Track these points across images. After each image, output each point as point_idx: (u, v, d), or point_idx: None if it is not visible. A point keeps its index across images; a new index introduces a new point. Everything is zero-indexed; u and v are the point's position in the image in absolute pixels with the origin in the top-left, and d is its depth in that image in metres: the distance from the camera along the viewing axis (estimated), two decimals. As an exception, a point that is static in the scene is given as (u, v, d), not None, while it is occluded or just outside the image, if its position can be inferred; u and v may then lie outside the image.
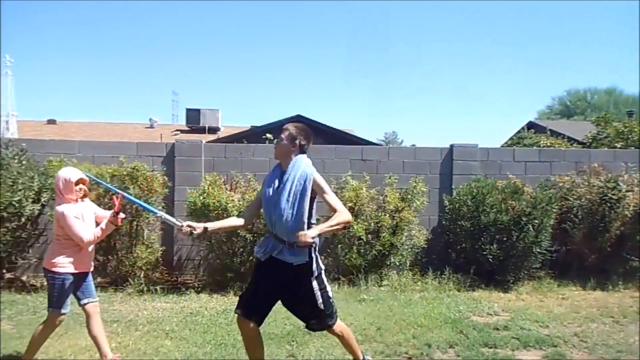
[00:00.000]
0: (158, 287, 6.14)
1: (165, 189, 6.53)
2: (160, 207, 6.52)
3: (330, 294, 3.27)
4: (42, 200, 6.22)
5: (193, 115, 20.75)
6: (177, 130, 21.41)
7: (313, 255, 3.14)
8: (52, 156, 6.59)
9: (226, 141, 11.30)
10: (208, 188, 6.25)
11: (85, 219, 3.59)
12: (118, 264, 6.25)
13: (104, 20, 64.22)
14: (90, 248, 3.66)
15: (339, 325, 3.32)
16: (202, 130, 20.02)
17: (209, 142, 8.96)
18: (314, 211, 3.21)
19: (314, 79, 77.01)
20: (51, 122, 21.26)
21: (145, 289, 6.07)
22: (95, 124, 21.28)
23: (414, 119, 73.86)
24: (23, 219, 6.05)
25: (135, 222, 6.30)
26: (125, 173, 6.16)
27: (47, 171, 6.25)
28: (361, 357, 3.44)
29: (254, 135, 11.99)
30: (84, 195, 3.71)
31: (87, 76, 65.54)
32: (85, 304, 3.66)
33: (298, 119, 14.93)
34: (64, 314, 3.57)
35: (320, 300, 3.16)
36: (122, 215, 3.61)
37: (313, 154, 7.21)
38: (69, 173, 3.62)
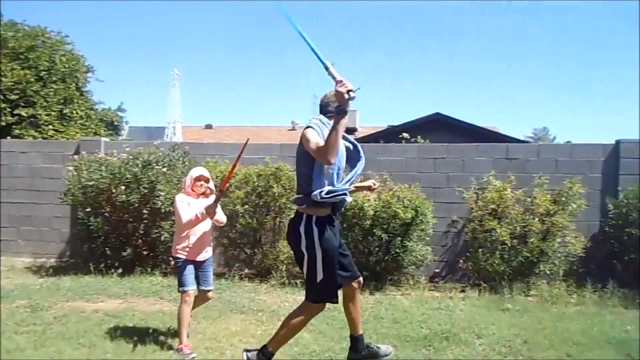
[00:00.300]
0: (298, 281, 6.44)
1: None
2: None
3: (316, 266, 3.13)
4: (201, 196, 6.97)
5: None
6: (317, 131, 22.28)
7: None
8: (209, 157, 7.35)
9: (363, 141, 11.45)
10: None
11: (196, 210, 3.85)
12: (263, 257, 6.72)
13: (250, 35, 69.84)
14: (199, 236, 3.97)
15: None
16: (348, 131, 20.55)
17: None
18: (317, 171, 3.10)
19: (453, 75, 73.98)
20: (208, 127, 23.82)
21: (287, 281, 6.43)
22: (245, 128, 23.28)
23: (568, 114, 66.53)
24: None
25: (278, 219, 6.71)
26: (269, 173, 6.59)
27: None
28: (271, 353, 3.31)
29: (391, 134, 11.93)
30: (204, 193, 4.05)
31: (238, 84, 71.98)
32: (201, 289, 4.09)
33: (436, 117, 14.49)
34: (189, 290, 3.94)
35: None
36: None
37: (452, 153, 7.01)
38: (194, 171, 4.07)
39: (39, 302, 5.28)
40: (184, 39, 67.64)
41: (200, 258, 4.05)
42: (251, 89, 73.11)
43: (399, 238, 6.21)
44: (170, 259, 4.38)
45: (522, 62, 72.95)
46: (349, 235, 6.39)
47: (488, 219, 6.21)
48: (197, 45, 69.18)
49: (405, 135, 7.90)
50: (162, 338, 4.27)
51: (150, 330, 4.43)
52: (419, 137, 7.94)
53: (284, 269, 6.64)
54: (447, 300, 5.88)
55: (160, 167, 6.67)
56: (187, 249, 3.98)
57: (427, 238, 6.46)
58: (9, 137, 11.01)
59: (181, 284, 3.96)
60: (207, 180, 4.08)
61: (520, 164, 6.85)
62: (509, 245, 6.03)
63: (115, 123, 15.61)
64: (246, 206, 6.50)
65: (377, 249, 6.31)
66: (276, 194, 6.47)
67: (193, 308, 4.14)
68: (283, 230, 6.78)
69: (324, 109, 3.40)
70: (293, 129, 23.21)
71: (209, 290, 4.18)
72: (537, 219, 6.04)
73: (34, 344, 4.01)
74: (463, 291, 6.27)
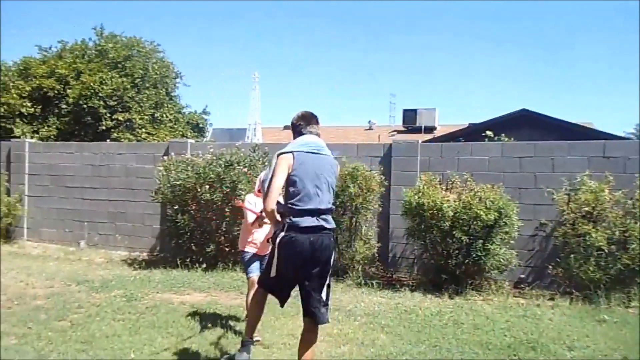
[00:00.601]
0: (374, 282, 6.39)
1: (382, 188, 6.77)
2: (377, 206, 6.80)
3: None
4: (279, 195, 7.15)
5: (409, 116, 21.06)
6: (394, 131, 22.03)
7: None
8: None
9: (442, 140, 11.11)
10: (423, 187, 6.22)
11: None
12: (339, 257, 6.74)
13: (327, 35, 70.53)
14: (265, 234, 4.21)
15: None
16: (418, 130, 20.16)
17: (424, 141, 8.94)
18: (292, 185, 3.16)
19: (540, 68, 69.52)
20: (287, 127, 24.26)
21: (362, 282, 6.40)
22: (322, 128, 23.47)
23: (678, 106, 59.76)
24: (265, 212, 7.06)
25: (354, 219, 6.70)
26: (346, 173, 6.60)
27: (283, 170, 7.14)
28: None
29: (472, 133, 11.48)
30: None
31: (315, 85, 73.07)
32: None
33: (522, 113, 13.70)
34: (251, 276, 4.30)
35: None
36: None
37: (540, 152, 6.58)
38: (263, 174, 4.22)
39: (133, 292, 5.71)
40: (264, 42, 69.83)
41: (263, 253, 4.33)
42: (328, 89, 73.90)
43: (481, 241, 5.94)
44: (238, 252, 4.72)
45: (621, 52, 66.84)
46: (426, 236, 6.23)
47: (581, 222, 5.74)
48: (276, 48, 71.19)
49: (489, 133, 7.52)
50: (241, 329, 4.43)
51: (232, 323, 4.62)
52: (502, 135, 7.54)
53: (360, 269, 6.62)
54: (534, 307, 5.53)
55: (242, 167, 6.92)
56: (253, 244, 4.36)
57: (512, 241, 6.11)
58: (108, 140, 12.04)
59: (248, 272, 4.37)
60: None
61: (619, 162, 6.25)
62: (606, 251, 5.54)
63: (201, 125, 16.49)
64: (323, 205, 6.56)
65: (456, 251, 6.08)
66: (353, 194, 6.46)
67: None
68: (359, 230, 6.77)
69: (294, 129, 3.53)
70: (370, 128, 23.07)
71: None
72: (639, 223, 5.49)
73: (129, 331, 4.34)
74: (552, 299, 5.85)
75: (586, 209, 5.76)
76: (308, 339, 3.32)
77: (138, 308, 5.11)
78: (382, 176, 6.87)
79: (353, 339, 4.36)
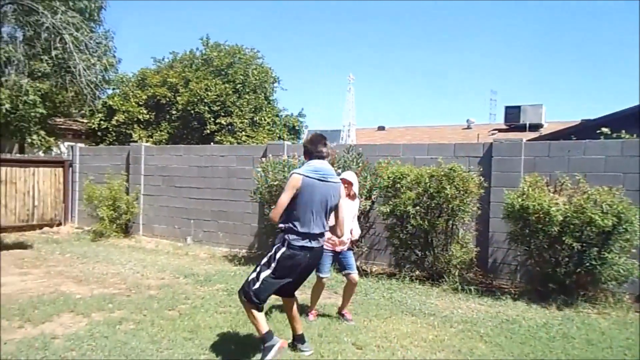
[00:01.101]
0: (472, 288, 6.10)
1: (480, 190, 6.44)
2: (475, 208, 6.48)
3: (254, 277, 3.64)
4: (372, 197, 7.10)
5: (512, 113, 19.83)
6: (495, 129, 20.91)
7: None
8: (381, 158, 7.44)
9: (550, 138, 10.30)
10: (528, 189, 5.81)
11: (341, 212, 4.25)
12: (434, 260, 6.53)
13: (420, 34, 68.84)
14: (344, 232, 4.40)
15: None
16: (522, 128, 18.93)
17: (529, 140, 8.35)
18: (296, 206, 3.58)
19: (669, 57, 61.57)
20: (381, 128, 24.23)
21: (459, 287, 6.14)
22: (417, 128, 23.05)
23: None
24: (358, 213, 7.04)
25: (450, 221, 6.45)
26: (442, 174, 6.37)
27: (377, 172, 7.09)
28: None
29: (586, 130, 10.47)
30: (348, 195, 4.54)
31: (410, 84, 71.74)
32: (345, 274, 4.82)
33: (645, 107, 12.22)
34: (324, 277, 4.73)
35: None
36: None
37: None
38: (342, 174, 4.75)
39: (233, 287, 6.01)
40: (359, 44, 70.18)
41: (338, 249, 4.72)
42: (424, 88, 72.15)
43: (596, 248, 5.40)
44: None
45: None
46: (531, 241, 5.80)
47: None
48: (371, 49, 71.18)
49: (605, 130, 6.78)
50: (337, 329, 4.46)
51: (327, 323, 4.67)
52: (622, 131, 6.78)
53: (456, 273, 6.35)
54: (661, 326, 4.90)
55: (336, 168, 6.99)
56: (330, 242, 4.57)
57: (633, 250, 5.48)
58: (212, 143, 12.85)
59: (320, 269, 4.67)
60: (349, 184, 4.66)
61: None
62: None
63: (297, 127, 16.96)
64: (417, 207, 6.40)
65: (566, 259, 5.59)
66: (449, 196, 6.22)
67: (346, 297, 4.90)
68: (456, 233, 6.50)
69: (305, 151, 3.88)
70: (468, 127, 22.12)
71: (352, 273, 4.78)
72: None
73: (230, 324, 4.58)
74: (684, 317, 5.15)
75: None
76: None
77: (238, 302, 5.35)
78: (481, 177, 6.54)
79: (449, 346, 4.19)
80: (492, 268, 6.79)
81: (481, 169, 6.76)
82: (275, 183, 7.22)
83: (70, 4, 10.26)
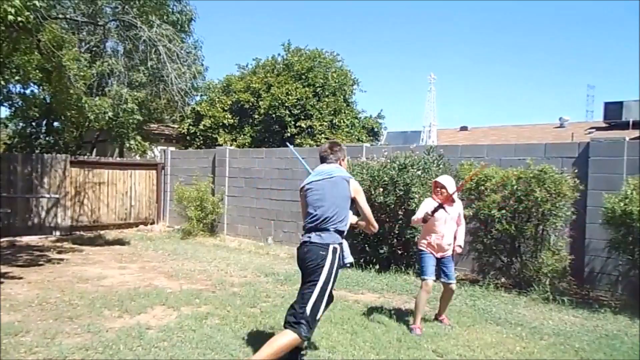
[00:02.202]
0: (565, 299, 5.66)
1: (575, 193, 5.96)
2: (569, 213, 6.02)
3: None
4: (455, 199, 6.84)
5: (613, 110, 18.18)
6: (592, 127, 19.31)
7: None
8: (463, 160, 7.16)
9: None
10: (631, 193, 5.29)
11: (436, 215, 4.55)
12: (522, 267, 6.15)
13: (509, 31, 65.30)
14: (444, 237, 4.60)
15: None
16: (624, 126, 17.29)
17: (633, 139, 7.61)
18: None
19: None
20: (463, 128, 23.33)
21: (550, 297, 5.72)
22: (503, 127, 21.90)
23: None
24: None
25: (541, 226, 6.04)
26: (531, 175, 5.99)
27: (459, 174, 6.82)
28: None
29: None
30: (446, 198, 4.59)
31: (495, 82, 68.47)
32: (442, 282, 4.75)
33: None
34: (429, 279, 4.56)
35: None
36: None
37: None
38: (438, 178, 4.81)
39: (312, 287, 6.09)
40: (441, 42, 68.32)
41: (438, 255, 4.65)
42: (511, 86, 68.50)
43: None
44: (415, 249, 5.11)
45: None
46: (635, 250, 5.28)
47: None
48: (453, 47, 69.02)
49: None
50: (414, 335, 4.35)
51: (406, 328, 4.57)
52: None
53: (547, 282, 5.93)
54: None
55: (415, 169, 6.84)
56: (428, 244, 4.67)
57: None
58: (292, 145, 13.13)
59: (422, 272, 4.64)
60: (441, 187, 4.67)
61: None
62: None
63: (375, 129, 16.82)
64: (503, 211, 6.06)
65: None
66: (539, 199, 5.82)
67: (444, 303, 4.84)
68: (547, 239, 6.07)
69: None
70: (561, 125, 20.63)
71: (450, 283, 4.71)
72: None
73: (308, 323, 4.63)
74: None
75: None
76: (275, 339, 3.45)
77: (316, 302, 5.42)
78: (576, 179, 6.05)
79: (539, 359, 3.92)
80: (588, 278, 6.26)
81: (576, 171, 6.26)
82: (354, 185, 7.20)
83: (165, 17, 11.01)
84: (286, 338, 3.35)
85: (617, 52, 59.21)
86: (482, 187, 6.27)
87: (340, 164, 3.87)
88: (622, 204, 5.27)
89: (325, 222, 3.55)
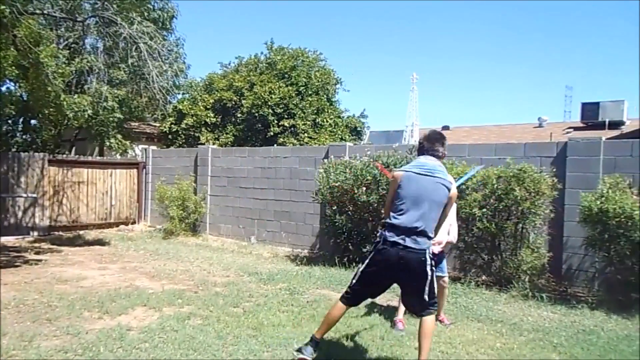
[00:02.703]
0: (543, 295, 5.77)
1: (554, 192, 6.08)
2: (547, 211, 6.14)
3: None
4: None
5: (590, 110, 18.60)
6: (570, 127, 19.71)
7: None
8: (445, 159, 7.22)
9: (633, 136, 9.55)
10: (607, 191, 5.41)
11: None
12: (502, 265, 6.25)
13: (490, 31, 66.19)
14: (441, 233, 4.38)
15: None
16: (600, 126, 17.69)
17: (609, 138, 7.78)
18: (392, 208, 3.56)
19: None
20: (445, 128, 23.54)
21: (529, 294, 5.83)
22: (484, 127, 22.20)
23: None
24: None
25: (520, 225, 6.14)
26: (511, 174, 6.09)
27: (441, 172, 6.89)
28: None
29: (673, 127, 9.61)
30: None
31: (477, 82, 69.30)
32: (437, 276, 4.50)
33: None
34: (444, 276, 4.75)
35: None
36: None
37: None
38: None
39: (295, 286, 6.10)
40: (423, 42, 68.83)
41: (436, 251, 4.52)
42: (492, 86, 69.46)
43: (686, 256, 4.93)
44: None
45: None
46: (611, 247, 5.40)
47: None
48: (435, 46, 69.65)
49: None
50: (400, 333, 4.38)
51: (389, 325, 4.61)
52: None
53: (527, 279, 6.04)
54: None
55: (398, 169, 6.88)
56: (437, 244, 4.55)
57: None
58: (275, 145, 13.10)
59: (441, 269, 4.65)
60: None
61: None
62: None
63: (358, 129, 16.87)
64: (484, 209, 6.15)
65: (652, 267, 5.15)
66: (519, 197, 5.93)
67: (441, 301, 4.75)
68: (526, 237, 6.18)
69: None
70: (540, 125, 21.00)
71: (443, 277, 4.76)
72: None
73: (292, 322, 4.64)
74: None
75: None
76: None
77: (300, 301, 5.43)
78: (554, 178, 6.17)
79: (519, 356, 3.99)
80: (566, 275, 6.39)
81: (555, 170, 6.38)
82: (337, 184, 7.23)
83: (145, 14, 10.85)
84: (430, 323, 3.43)
85: (594, 53, 60.50)
86: (464, 186, 6.34)
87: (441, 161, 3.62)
88: (598, 203, 5.39)
89: (424, 224, 3.35)
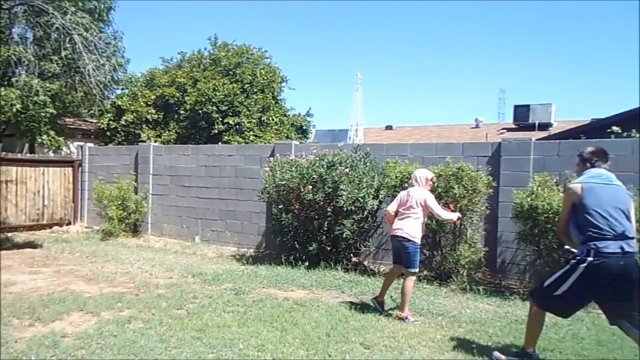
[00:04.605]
0: (480, 288, 6.07)
1: (489, 190, 6.41)
2: (483, 208, 6.45)
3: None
4: (380, 196, 7.08)
5: (521, 112, 19.72)
6: (504, 128, 20.79)
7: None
8: (388, 158, 7.42)
9: (559, 138, 10.22)
10: (537, 189, 5.77)
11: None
12: (442, 260, 6.50)
13: (431, 34, 68.50)
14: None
15: None
16: (531, 128, 18.81)
17: (538, 139, 8.29)
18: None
19: (681, 54, 60.69)
20: (388, 127, 24.16)
21: (467, 287, 6.11)
22: (425, 127, 22.96)
23: None
24: (365, 212, 7.04)
25: (459, 221, 6.41)
26: (450, 173, 6.34)
27: (385, 171, 7.07)
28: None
29: (596, 129, 10.38)
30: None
31: (419, 84, 71.50)
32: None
33: (656, 106, 12.09)
34: (417, 271, 5.01)
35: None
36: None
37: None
38: (427, 173, 5.25)
39: (241, 286, 6.04)
40: (367, 43, 70.11)
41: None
42: (432, 88, 71.89)
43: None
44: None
45: None
46: (540, 241, 5.76)
47: None
48: (379, 48, 71.09)
49: (615, 129, 6.73)
50: (345, 328, 4.46)
51: (335, 322, 4.67)
52: (633, 130, 6.71)
53: (464, 273, 6.32)
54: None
55: (343, 167, 6.98)
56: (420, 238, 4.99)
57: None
58: (220, 143, 12.88)
59: (414, 265, 4.94)
60: (432, 180, 5.34)
61: None
62: None
63: (304, 127, 16.94)
64: (425, 207, 6.37)
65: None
66: (457, 195, 6.19)
67: (386, 286, 5.28)
68: (464, 232, 6.46)
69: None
70: (477, 126, 21.99)
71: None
72: None
73: (237, 323, 4.59)
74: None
75: None
76: None
77: (246, 301, 5.39)
78: (489, 177, 6.50)
79: (458, 346, 4.17)
80: (500, 268, 6.75)
81: (490, 169, 6.72)
82: (283, 183, 7.23)
83: (80, 4, 10.33)
84: None
85: (525, 57, 64.06)
86: (406, 185, 6.53)
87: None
88: (529, 199, 5.72)
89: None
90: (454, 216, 5.08)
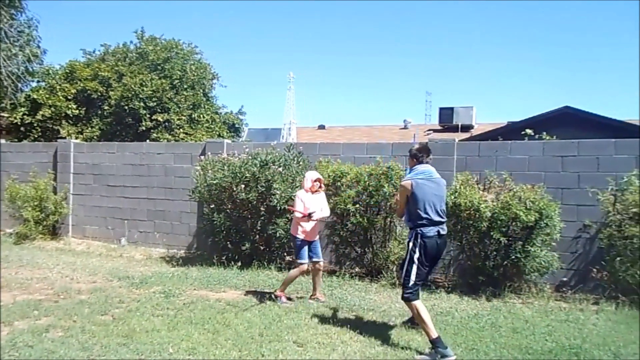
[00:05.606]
0: (409, 283, 6.31)
1: (417, 188, 6.67)
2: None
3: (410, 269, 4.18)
4: (314, 195, 7.14)
5: (446, 114, 20.67)
6: (430, 129, 21.71)
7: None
8: (321, 157, 7.51)
9: (480, 139, 10.87)
10: (460, 187, 6.10)
11: (309, 204, 5.31)
12: (373, 257, 6.69)
13: (361, 35, 70.19)
14: (313, 224, 5.34)
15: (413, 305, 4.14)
16: (455, 129, 19.79)
17: (461, 140, 8.76)
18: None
19: (584, 64, 66.74)
20: (321, 127, 24.41)
21: (397, 282, 6.33)
22: (356, 127, 23.45)
23: None
24: (299, 211, 7.07)
25: (389, 219, 6.63)
26: (381, 172, 6.54)
27: (317, 170, 7.14)
28: (434, 336, 3.98)
29: (511, 131, 11.15)
30: (317, 190, 5.46)
31: (350, 85, 72.90)
32: (314, 261, 5.45)
33: (565, 111, 13.22)
34: (304, 263, 5.34)
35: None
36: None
37: (585, 150, 6.33)
38: (313, 174, 5.56)
39: (171, 289, 5.85)
40: (299, 42, 70.40)
41: (312, 239, 5.40)
42: (363, 89, 73.58)
43: (520, 242, 5.77)
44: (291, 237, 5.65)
45: (672, 46, 63.23)
46: (463, 237, 6.10)
47: (629, 224, 5.49)
48: (311, 48, 71.67)
49: (529, 131, 7.26)
50: (278, 327, 4.46)
51: (268, 322, 4.66)
52: (544, 133, 7.29)
53: (394, 269, 6.55)
54: (577, 312, 5.33)
55: (277, 166, 6.97)
56: (305, 233, 5.32)
57: (554, 243, 5.91)
58: (148, 140, 12.37)
59: (299, 257, 5.36)
60: (320, 181, 5.55)
61: (669, 161, 5.93)
62: (655, 254, 5.27)
63: (237, 125, 16.71)
64: (357, 205, 6.53)
65: (494, 253, 5.94)
66: (387, 194, 6.40)
67: (317, 281, 5.57)
68: (394, 229, 6.69)
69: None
70: (405, 127, 22.79)
71: (318, 261, 5.48)
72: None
73: (167, 326, 4.45)
74: (596, 303, 5.63)
75: (634, 210, 5.51)
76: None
77: (176, 304, 5.23)
78: (417, 176, 6.76)
79: (388, 340, 4.32)
80: (427, 263, 7.04)
81: (409, 167, 6.99)
82: (215, 182, 7.09)
83: (-12, -12, 9.49)
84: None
85: (451, 62, 67.39)
86: (339, 183, 6.66)
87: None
88: (452, 197, 6.04)
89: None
90: (298, 214, 5.31)
